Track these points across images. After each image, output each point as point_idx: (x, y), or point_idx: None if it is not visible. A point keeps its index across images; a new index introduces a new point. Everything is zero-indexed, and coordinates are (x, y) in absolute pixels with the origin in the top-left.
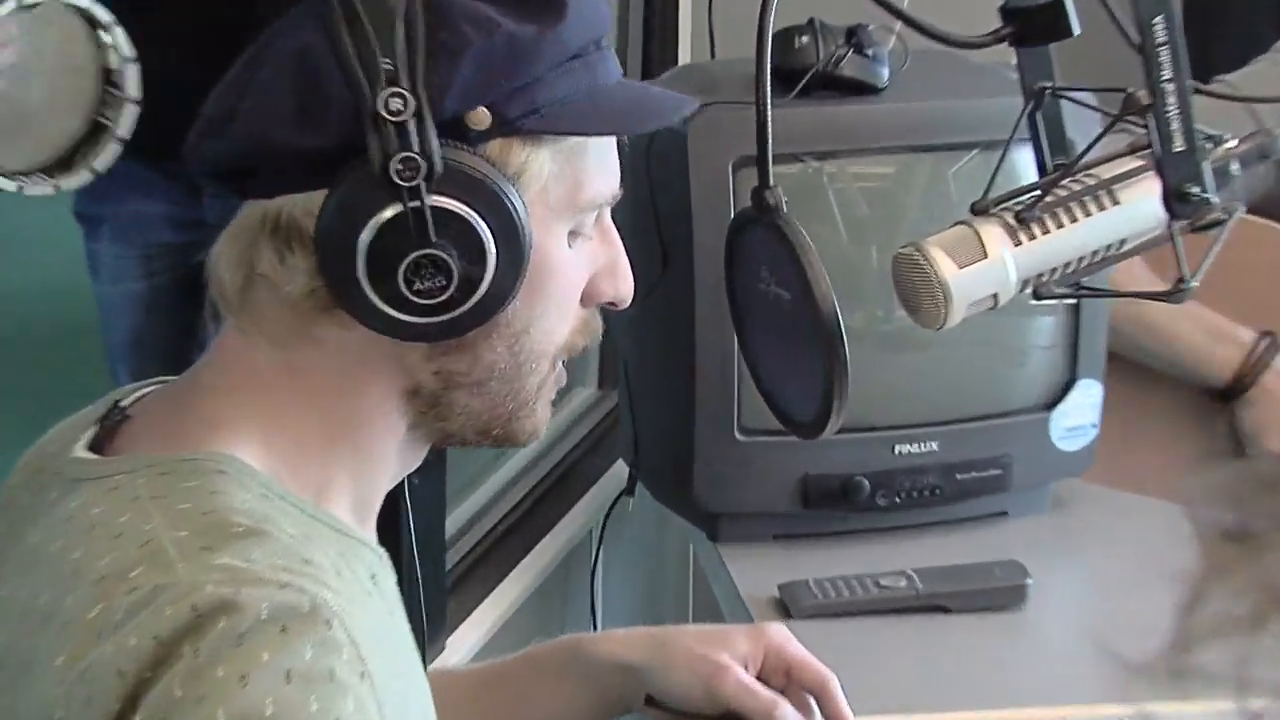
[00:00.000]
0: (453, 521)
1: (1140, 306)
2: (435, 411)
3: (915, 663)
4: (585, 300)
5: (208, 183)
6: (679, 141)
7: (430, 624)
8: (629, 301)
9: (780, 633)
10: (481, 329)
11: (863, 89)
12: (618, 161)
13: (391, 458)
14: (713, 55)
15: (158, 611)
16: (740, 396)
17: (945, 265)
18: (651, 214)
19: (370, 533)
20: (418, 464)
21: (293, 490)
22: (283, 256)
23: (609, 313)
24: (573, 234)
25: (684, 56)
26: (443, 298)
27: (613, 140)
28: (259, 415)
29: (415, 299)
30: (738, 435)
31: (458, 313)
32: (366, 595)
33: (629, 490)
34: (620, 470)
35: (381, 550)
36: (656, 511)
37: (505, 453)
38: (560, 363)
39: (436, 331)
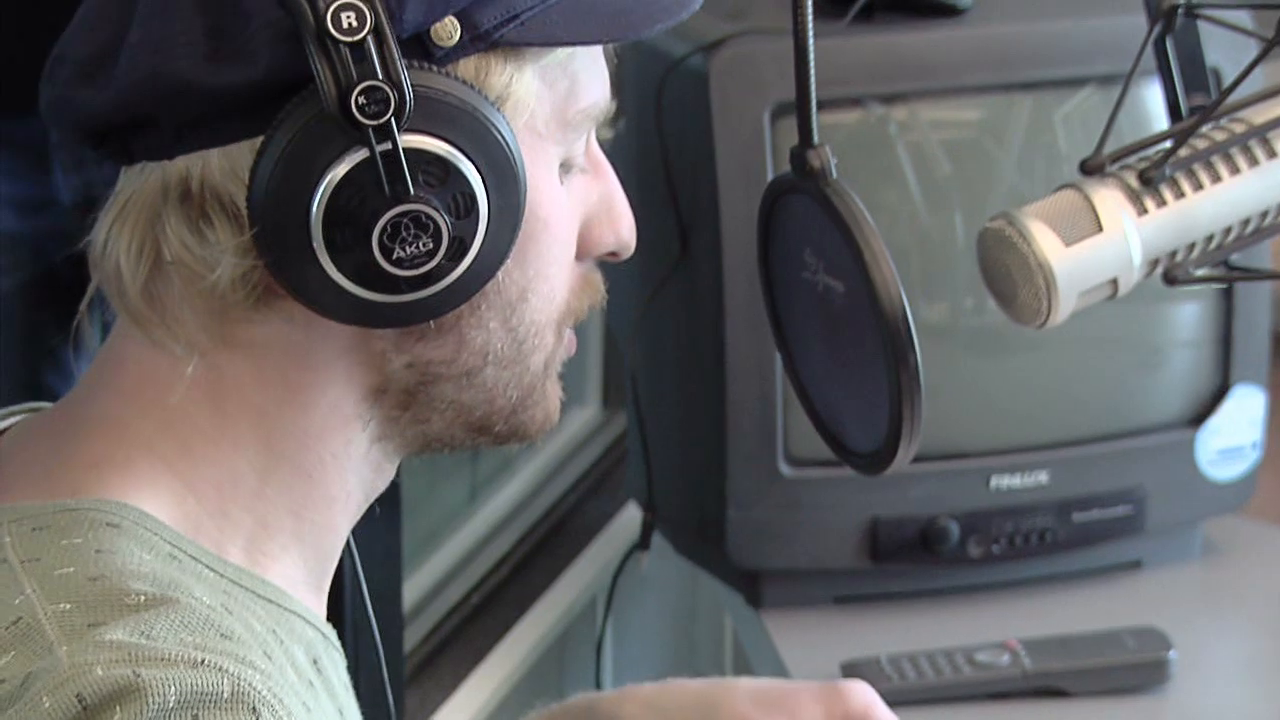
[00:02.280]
0: (412, 589)
1: None
2: (411, 413)
3: None
4: (581, 253)
5: (82, 143)
6: (699, 83)
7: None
8: (632, 249)
9: (862, 695)
10: (467, 303)
11: (940, 9)
12: (606, 66)
13: (351, 483)
14: None
15: (33, 705)
16: (786, 417)
17: (1048, 243)
18: (664, 181)
19: (320, 600)
20: (386, 485)
21: (214, 545)
22: (201, 234)
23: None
24: (564, 166)
25: None
26: (429, 266)
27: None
28: (167, 449)
29: (394, 271)
30: (783, 469)
31: (446, 282)
32: (308, 685)
33: (643, 544)
34: (632, 516)
35: (328, 628)
36: (680, 570)
37: (478, 497)
38: (569, 330)
39: (419, 312)
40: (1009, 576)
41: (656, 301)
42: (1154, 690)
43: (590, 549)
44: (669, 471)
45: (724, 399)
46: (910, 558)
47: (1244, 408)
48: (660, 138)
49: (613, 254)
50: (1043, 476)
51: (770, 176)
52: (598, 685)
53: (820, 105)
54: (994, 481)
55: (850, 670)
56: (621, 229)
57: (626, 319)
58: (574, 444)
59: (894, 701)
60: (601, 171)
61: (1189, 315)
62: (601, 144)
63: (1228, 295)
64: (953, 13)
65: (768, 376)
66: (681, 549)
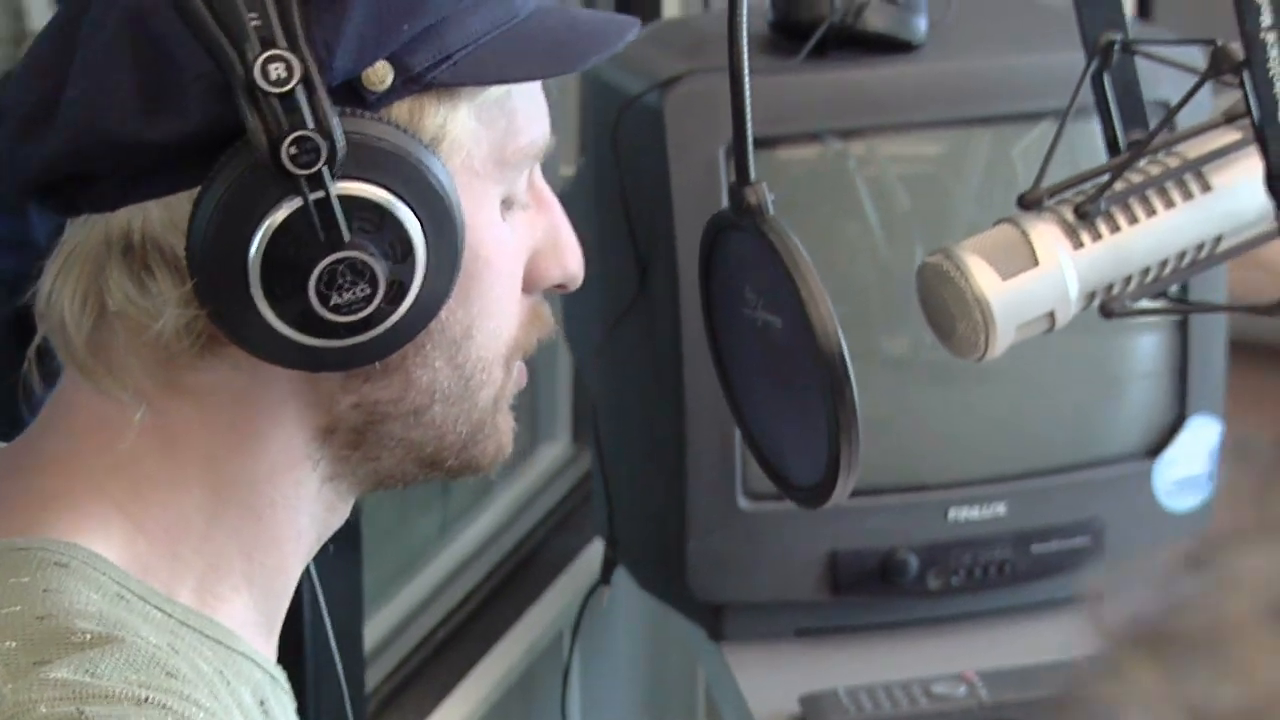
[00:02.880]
0: (373, 629)
1: None
2: (361, 452)
3: None
4: (528, 286)
5: (27, 198)
6: (654, 121)
7: None
8: (579, 281)
9: None
10: (412, 343)
11: (894, 44)
12: (545, 101)
13: (303, 523)
14: (706, 6)
15: None
16: (745, 451)
17: (984, 277)
18: (623, 217)
19: (270, 642)
20: (340, 523)
21: (163, 586)
22: (143, 285)
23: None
24: (505, 203)
25: (670, 9)
26: (367, 311)
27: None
28: (117, 491)
29: (333, 317)
30: (742, 502)
31: (386, 326)
32: None
33: (604, 578)
34: (599, 550)
35: (278, 669)
36: (644, 604)
37: (446, 533)
38: (518, 363)
39: (362, 355)
40: (968, 608)
41: (616, 335)
42: None
43: (557, 583)
44: (630, 505)
45: (683, 432)
46: (870, 589)
47: (1200, 438)
48: (618, 173)
49: (560, 286)
50: (1001, 508)
51: None
52: (564, 718)
53: (778, 141)
54: (952, 513)
55: (808, 703)
56: (568, 261)
57: (587, 352)
58: (543, 479)
59: None
60: (546, 205)
61: (1145, 346)
62: (559, 182)
63: (1183, 326)
64: (907, 48)
65: (726, 410)
66: (644, 583)
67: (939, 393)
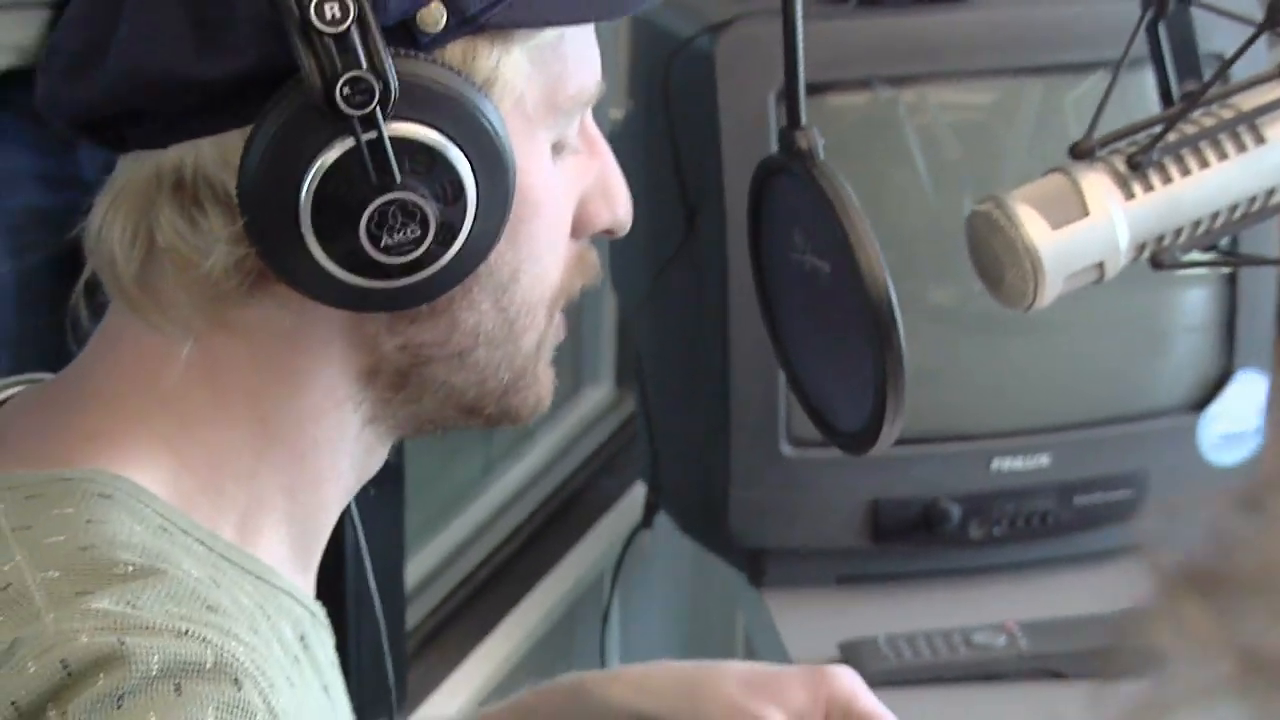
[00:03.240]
0: (415, 567)
1: None
2: (404, 395)
3: None
4: (576, 231)
5: (77, 135)
6: (705, 65)
7: (382, 701)
8: (628, 227)
9: (847, 681)
10: (459, 285)
11: None
12: (597, 46)
13: (343, 465)
14: None
15: (18, 670)
16: (788, 398)
17: (1034, 226)
18: (671, 162)
19: (308, 579)
20: (378, 467)
21: (206, 521)
22: (194, 222)
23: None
24: (556, 148)
25: None
26: (417, 253)
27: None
28: (163, 425)
29: (382, 258)
30: (785, 449)
31: (436, 268)
32: (293, 661)
33: (646, 522)
34: (642, 494)
35: (317, 605)
36: (685, 549)
37: (489, 474)
38: (560, 312)
39: (410, 296)
40: (1010, 558)
41: (662, 281)
42: None
43: (598, 526)
44: (674, 450)
45: (728, 378)
46: (911, 539)
47: (1247, 392)
48: (667, 118)
49: (608, 231)
50: (1044, 459)
51: None
52: (602, 661)
53: (828, 87)
54: (996, 463)
55: (847, 650)
56: (617, 207)
57: (633, 297)
58: (586, 422)
59: (890, 681)
60: (597, 150)
61: (1193, 300)
62: (608, 125)
63: (1232, 280)
64: None
65: (771, 356)
66: (685, 528)
67: (985, 343)
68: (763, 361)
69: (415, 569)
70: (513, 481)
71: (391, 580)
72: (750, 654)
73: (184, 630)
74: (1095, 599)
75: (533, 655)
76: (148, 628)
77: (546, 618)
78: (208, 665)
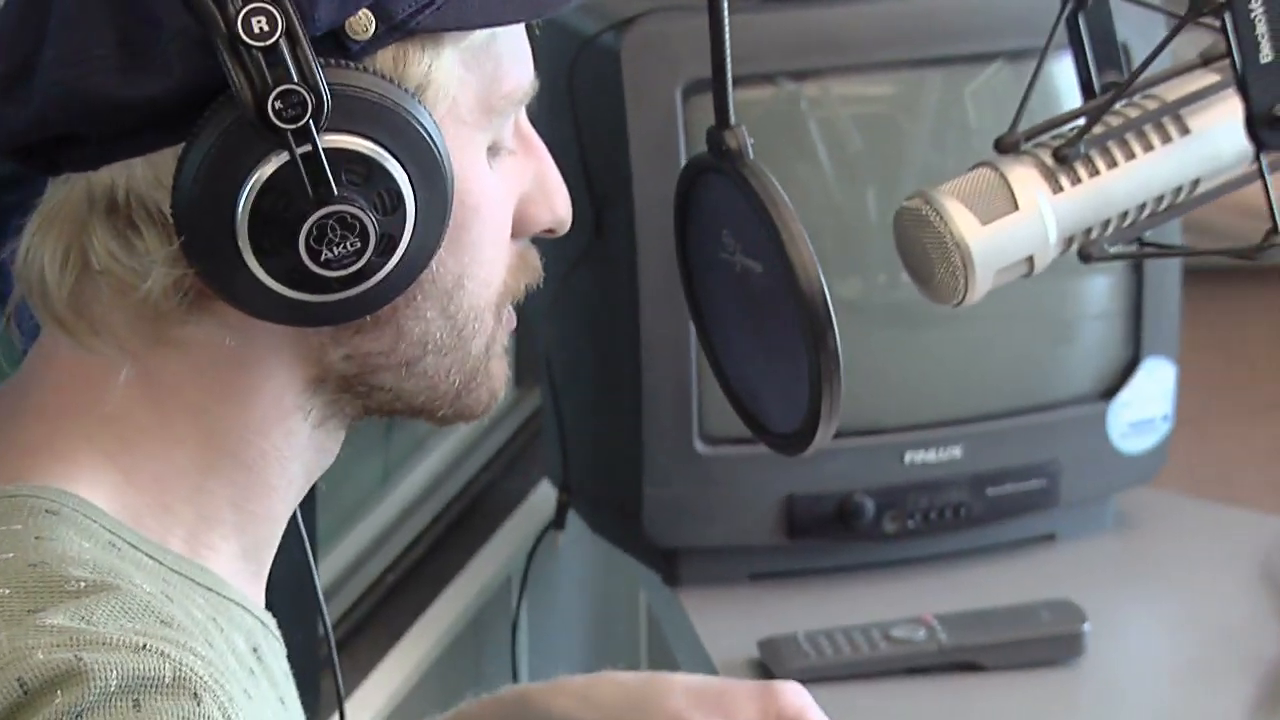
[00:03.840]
0: (325, 570)
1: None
2: (351, 395)
3: None
4: (516, 232)
5: (7, 160)
6: (610, 62)
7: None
8: (568, 225)
9: (796, 696)
10: (403, 295)
11: None
12: (528, 44)
13: (294, 470)
14: None
15: None
16: (701, 396)
17: (964, 221)
18: (578, 161)
19: (258, 589)
20: (329, 463)
21: (155, 535)
22: (129, 244)
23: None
24: (492, 150)
25: None
26: (358, 265)
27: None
28: (106, 441)
29: (323, 272)
30: (698, 446)
31: (378, 279)
32: (249, 673)
33: (558, 523)
34: (546, 494)
35: (268, 616)
36: (595, 548)
37: (390, 476)
38: (508, 309)
39: (353, 309)
40: (925, 551)
41: (570, 281)
42: (1069, 663)
43: (504, 528)
44: (584, 450)
45: (639, 377)
46: (826, 534)
47: (1155, 380)
48: (573, 116)
49: (549, 231)
50: (956, 451)
51: (683, 154)
52: (513, 663)
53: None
54: (909, 457)
55: (767, 648)
56: (557, 205)
57: (540, 298)
58: (486, 422)
59: (812, 679)
60: (533, 149)
61: (1100, 288)
62: None
63: (1138, 268)
64: None
65: (683, 354)
66: (597, 528)
67: (892, 336)
68: (675, 358)
69: (321, 576)
70: (414, 485)
71: (303, 584)
72: (665, 655)
73: (141, 645)
74: (1012, 589)
75: (442, 661)
76: (104, 643)
77: (455, 623)
78: (166, 680)
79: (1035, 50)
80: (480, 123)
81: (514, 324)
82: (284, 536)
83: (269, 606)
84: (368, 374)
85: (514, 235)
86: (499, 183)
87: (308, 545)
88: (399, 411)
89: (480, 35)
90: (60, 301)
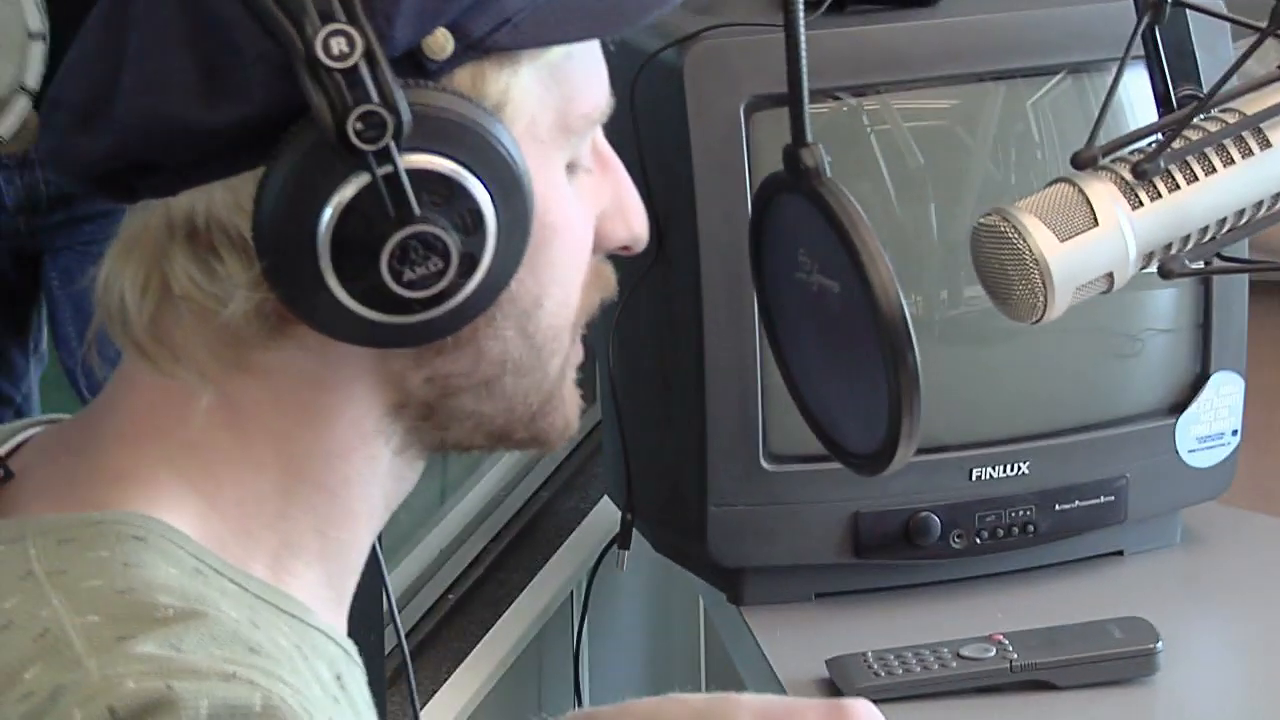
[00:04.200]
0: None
1: None
2: (432, 423)
3: None
4: (594, 249)
5: (86, 190)
6: (673, 78)
7: None
8: (644, 242)
9: (867, 714)
10: (483, 315)
11: (909, 0)
12: (604, 64)
13: (375, 497)
14: None
15: (64, 718)
16: (766, 414)
17: (1043, 238)
18: (640, 178)
19: (341, 616)
20: (408, 491)
21: (239, 561)
22: (210, 269)
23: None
24: (570, 168)
25: None
26: (440, 285)
27: (596, 41)
28: (189, 467)
29: (405, 293)
30: (764, 464)
31: (459, 299)
32: (333, 702)
33: (622, 542)
34: (606, 511)
35: (350, 644)
36: (658, 566)
37: (447, 496)
38: (580, 333)
39: (435, 329)
40: (991, 568)
41: (633, 299)
42: (1142, 681)
43: (564, 548)
44: (648, 470)
45: (703, 396)
46: (892, 551)
47: (1223, 394)
48: (635, 133)
49: (625, 248)
50: (1024, 467)
51: (747, 171)
52: (575, 683)
53: None
54: (976, 473)
55: (836, 666)
56: (634, 223)
57: (602, 318)
58: None
59: (882, 698)
60: (610, 167)
61: (1167, 303)
62: None
63: (1206, 283)
64: (924, 3)
65: (748, 371)
66: (660, 547)
67: (956, 353)
68: (739, 376)
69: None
70: (471, 505)
71: (370, 605)
72: (729, 674)
73: (230, 673)
74: (1080, 605)
75: (504, 681)
76: (194, 671)
77: (516, 644)
78: (256, 708)
79: (1097, 63)
80: (559, 141)
81: (581, 354)
82: None
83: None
84: (448, 397)
85: (592, 253)
86: (578, 201)
87: (382, 564)
88: (477, 444)
89: (556, 54)
90: (140, 328)
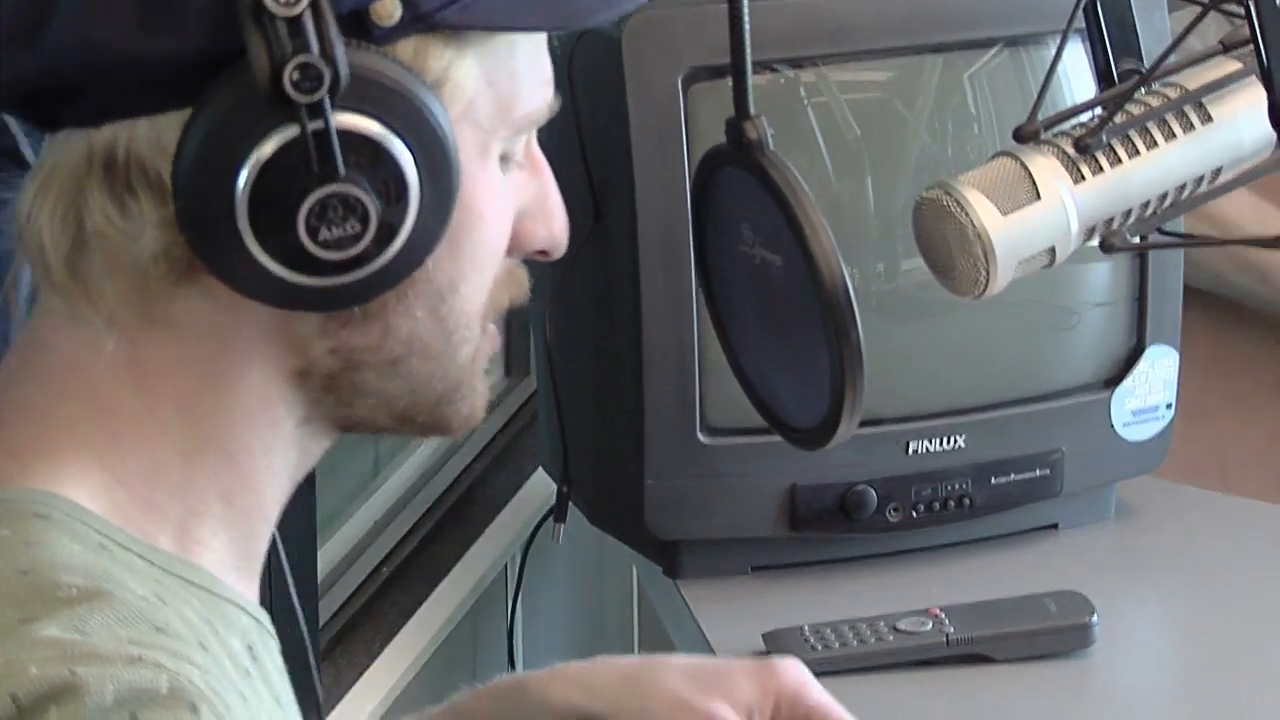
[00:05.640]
0: (319, 563)
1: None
2: (335, 398)
3: None
4: (512, 248)
5: (9, 110)
6: (611, 49)
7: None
8: (563, 248)
9: (796, 673)
10: (395, 290)
11: None
12: (550, 65)
13: (279, 466)
14: None
15: None
16: (703, 387)
17: (985, 212)
18: (577, 149)
19: (251, 586)
20: (312, 466)
21: (144, 534)
22: (123, 205)
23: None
24: (503, 160)
25: None
26: (355, 250)
27: (543, 37)
28: (93, 436)
29: (319, 252)
30: (701, 437)
31: (372, 268)
32: (244, 675)
33: (558, 515)
34: (542, 484)
35: (262, 613)
36: (593, 540)
37: (380, 469)
38: (491, 325)
39: (343, 297)
40: (928, 542)
41: (570, 271)
42: (1076, 653)
43: (499, 520)
44: (584, 443)
45: (640, 369)
46: (829, 525)
47: (1159, 368)
48: (573, 106)
49: (543, 252)
50: (960, 441)
51: (685, 143)
52: (510, 655)
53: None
54: (912, 447)
55: (772, 640)
56: (555, 226)
57: (539, 290)
58: None
59: (818, 671)
60: (539, 168)
61: (1103, 277)
62: None
63: (1141, 257)
64: None
65: (685, 345)
66: (596, 520)
67: (893, 327)
68: (677, 349)
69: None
70: (406, 477)
71: (304, 580)
72: (665, 648)
73: (136, 656)
74: (1016, 579)
75: (438, 654)
76: (99, 656)
77: (450, 617)
78: (163, 692)
79: (1034, 36)
80: (495, 131)
81: (498, 343)
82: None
83: (267, 596)
84: (352, 370)
85: (508, 251)
86: (505, 194)
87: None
88: (380, 424)
89: (502, 43)
90: (57, 263)
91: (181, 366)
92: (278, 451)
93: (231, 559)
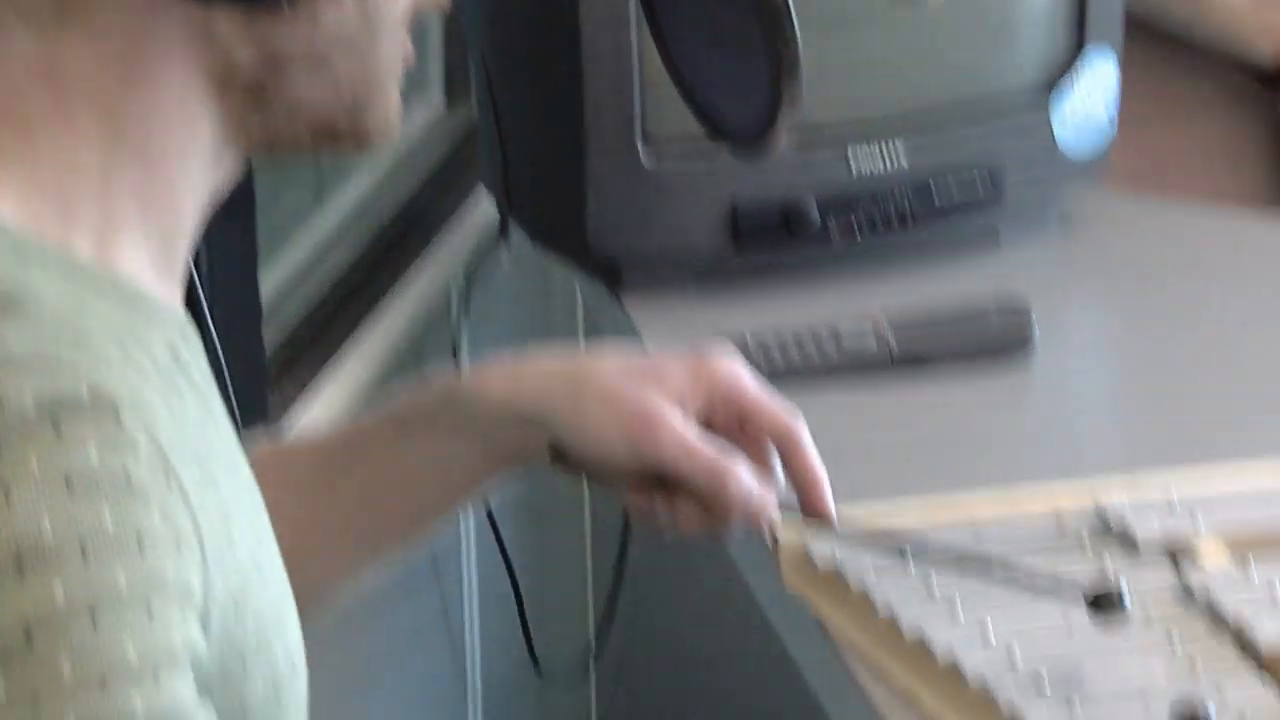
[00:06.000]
0: (262, 290)
1: None
2: (256, 107)
3: (890, 435)
4: None
5: None
6: None
7: (245, 418)
8: None
9: (727, 362)
10: None
11: None
12: None
13: (197, 177)
14: None
15: None
16: (643, 99)
17: None
18: None
19: (174, 292)
20: (232, 184)
21: (62, 242)
22: None
23: None
24: None
25: None
26: None
27: None
28: (7, 140)
29: None
30: (643, 155)
31: None
32: (168, 380)
33: (502, 234)
34: (484, 209)
35: (185, 318)
36: (536, 263)
37: (322, 196)
38: (407, 34)
39: None
40: (870, 258)
41: None
42: (1017, 361)
43: (442, 243)
44: (525, 162)
45: (580, 85)
46: (772, 240)
47: (1099, 74)
48: None
49: None
50: (900, 151)
51: None
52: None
53: None
54: (853, 161)
55: None
56: None
57: (474, 5)
58: (419, 138)
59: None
60: None
61: None
62: None
63: None
64: None
65: (624, 60)
66: (538, 239)
67: (831, 35)
68: (616, 65)
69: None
70: (347, 203)
71: (247, 298)
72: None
73: (55, 364)
74: (956, 289)
75: (382, 378)
76: (16, 365)
77: (396, 340)
78: (84, 398)
79: None
80: None
81: (412, 58)
82: (222, 250)
83: (208, 315)
84: (275, 74)
85: None
86: None
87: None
88: (299, 140)
89: None
90: None
91: (98, 67)
92: (195, 165)
93: (151, 265)
